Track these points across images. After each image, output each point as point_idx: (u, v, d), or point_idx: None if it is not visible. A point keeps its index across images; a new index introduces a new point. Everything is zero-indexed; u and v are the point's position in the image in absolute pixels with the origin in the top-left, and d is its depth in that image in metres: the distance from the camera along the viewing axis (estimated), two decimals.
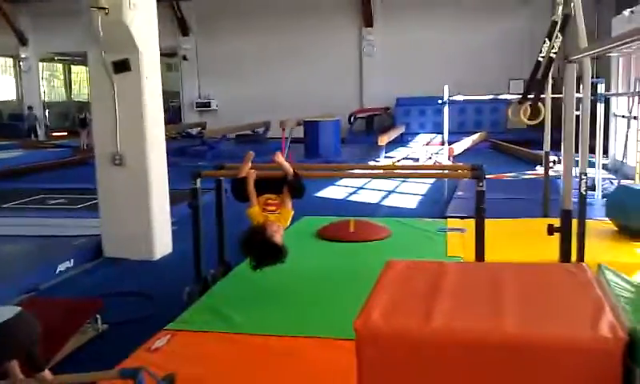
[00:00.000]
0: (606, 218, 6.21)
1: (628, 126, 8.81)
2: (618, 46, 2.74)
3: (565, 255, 3.43)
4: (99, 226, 6.04)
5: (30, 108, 21.75)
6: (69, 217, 7.71)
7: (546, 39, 5.54)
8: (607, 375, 1.63)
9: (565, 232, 3.42)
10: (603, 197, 7.83)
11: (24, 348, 2.57)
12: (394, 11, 18.87)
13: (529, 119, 5.82)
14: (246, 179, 3.98)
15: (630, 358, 1.63)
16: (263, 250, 3.73)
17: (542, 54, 5.52)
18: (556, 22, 5.31)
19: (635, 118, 8.41)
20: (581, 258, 3.53)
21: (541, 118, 5.88)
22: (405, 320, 1.80)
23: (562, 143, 3.57)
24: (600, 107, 8.44)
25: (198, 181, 4.46)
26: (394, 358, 1.75)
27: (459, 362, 1.71)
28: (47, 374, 2.67)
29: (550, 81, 6.92)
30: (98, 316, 4.02)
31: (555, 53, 5.30)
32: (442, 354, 1.71)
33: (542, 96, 5.88)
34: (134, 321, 4.24)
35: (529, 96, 5.81)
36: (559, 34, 4.29)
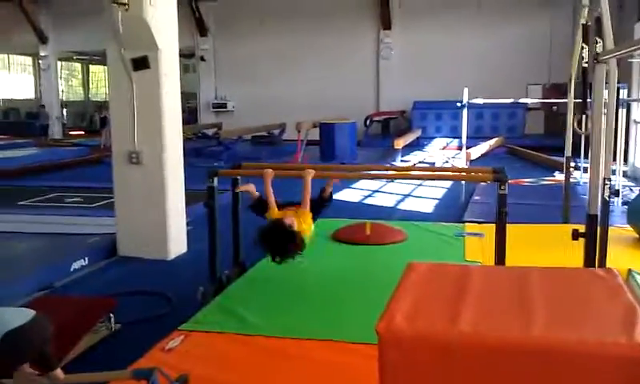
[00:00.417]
0: (627, 225, 6.11)
1: None
2: None
3: (590, 260, 3.35)
4: (114, 224, 6.02)
5: (42, 106, 21.89)
6: (84, 215, 7.71)
7: (583, 44, 5.42)
8: None
9: (590, 237, 3.34)
10: (623, 203, 7.70)
11: (37, 350, 2.53)
12: (412, 14, 18.79)
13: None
14: (264, 181, 3.98)
15: None
16: (280, 236, 3.72)
17: (585, 61, 5.38)
18: (585, 26, 5.21)
19: None
20: (603, 263, 3.45)
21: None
22: (429, 323, 1.74)
23: (590, 146, 3.49)
24: (621, 113, 8.31)
25: (215, 179, 4.41)
26: (418, 363, 1.69)
27: (486, 366, 1.64)
28: (59, 372, 2.63)
29: (573, 86, 6.84)
30: (111, 315, 3.98)
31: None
32: (468, 359, 1.64)
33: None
34: (147, 320, 4.21)
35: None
36: (597, 39, 4.20)
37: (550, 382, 1.62)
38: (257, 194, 4.17)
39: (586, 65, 5.36)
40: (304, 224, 3.88)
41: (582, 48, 5.37)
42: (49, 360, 2.62)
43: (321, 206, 4.21)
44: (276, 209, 3.91)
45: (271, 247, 3.77)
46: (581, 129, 5.85)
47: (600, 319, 1.76)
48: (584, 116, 5.58)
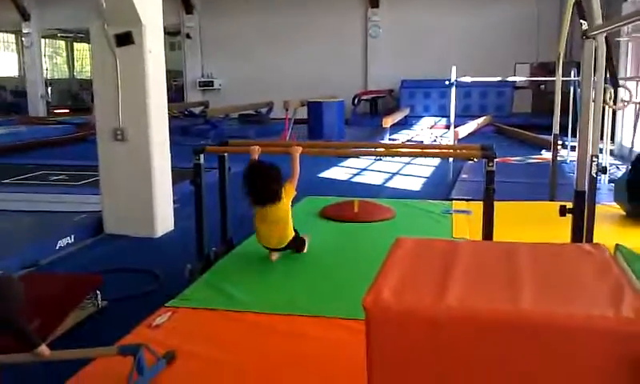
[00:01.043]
0: (614, 203, 6.15)
1: (637, 112, 8.70)
2: (638, 20, 2.64)
3: (577, 236, 3.36)
4: (100, 202, 5.97)
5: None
6: (70, 193, 7.64)
7: (582, 21, 5.41)
8: (629, 357, 1.56)
9: (577, 213, 3.35)
10: (610, 181, 7.75)
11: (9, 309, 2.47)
12: None
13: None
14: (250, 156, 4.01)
15: None
16: (261, 175, 4.03)
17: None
18: (578, 3, 5.20)
19: None
20: (590, 239, 3.48)
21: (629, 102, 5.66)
22: (417, 298, 1.73)
23: (578, 123, 3.49)
24: (609, 92, 8.31)
25: (201, 156, 4.38)
26: (405, 337, 1.68)
27: (474, 341, 1.63)
28: (44, 349, 2.60)
29: (561, 64, 6.83)
30: (98, 292, 3.96)
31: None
32: (456, 333, 1.64)
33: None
34: (134, 297, 4.19)
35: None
36: (582, 18, 4.19)
37: (538, 356, 1.62)
38: (256, 156, 4.24)
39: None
40: (286, 198, 3.97)
41: (581, 25, 5.36)
42: (30, 337, 2.57)
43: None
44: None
45: (253, 187, 3.96)
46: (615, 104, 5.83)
47: (588, 293, 1.76)
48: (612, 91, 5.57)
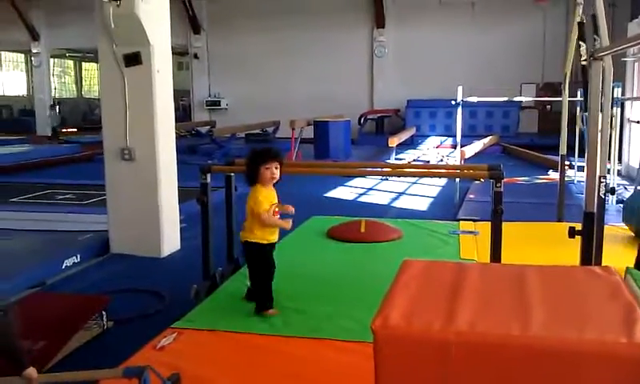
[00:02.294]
0: (622, 224, 6.11)
1: None
2: None
3: (586, 258, 3.33)
4: (106, 221, 5.97)
5: None
6: (77, 212, 7.65)
7: (581, 42, 5.41)
8: None
9: (587, 235, 3.32)
10: (618, 202, 7.71)
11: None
12: (405, 12, 18.77)
13: None
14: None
15: None
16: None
17: (583, 59, 5.37)
18: (581, 24, 5.19)
19: None
20: (599, 261, 3.44)
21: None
22: (426, 321, 1.70)
23: (586, 144, 3.47)
24: (616, 112, 8.30)
25: (208, 176, 4.38)
26: (414, 361, 1.66)
27: (483, 365, 1.61)
28: (32, 371, 2.52)
29: (567, 85, 6.82)
30: (103, 313, 3.94)
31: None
32: (465, 357, 1.61)
33: None
34: (140, 318, 4.17)
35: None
36: (595, 37, 4.16)
37: (548, 381, 1.59)
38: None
39: (584, 63, 5.35)
40: (258, 194, 3.76)
41: (580, 46, 5.36)
42: (19, 358, 2.51)
43: None
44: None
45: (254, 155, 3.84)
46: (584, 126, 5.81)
47: (599, 318, 1.73)
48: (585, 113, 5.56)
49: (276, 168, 3.78)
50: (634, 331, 1.60)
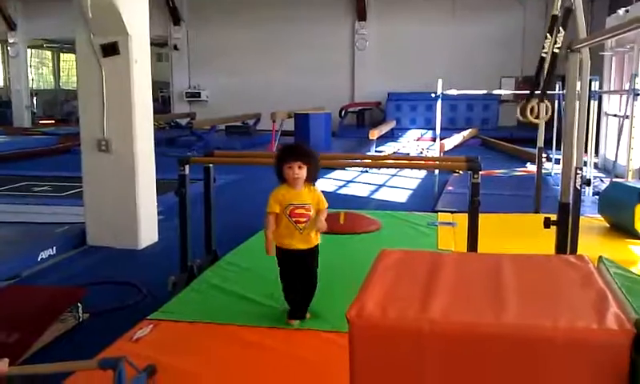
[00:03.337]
0: (598, 215, 6.19)
1: (620, 125, 8.79)
2: (621, 33, 2.66)
3: (561, 248, 3.37)
4: (83, 213, 5.91)
5: None
6: (53, 204, 7.56)
7: (548, 34, 5.46)
8: (613, 368, 1.55)
9: (562, 225, 3.36)
10: (594, 194, 7.81)
11: None
12: (387, 6, 18.78)
13: (535, 117, 5.69)
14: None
15: (635, 351, 1.55)
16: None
17: (544, 50, 5.42)
18: (556, 17, 5.24)
19: (627, 117, 8.38)
20: (574, 251, 3.49)
21: (548, 116, 5.74)
22: (401, 310, 1.70)
23: (563, 136, 3.51)
24: (593, 105, 8.40)
25: (186, 167, 4.34)
26: (389, 350, 1.66)
27: (458, 353, 1.61)
28: (2, 363, 2.48)
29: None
30: (79, 305, 3.90)
31: (559, 48, 5.22)
32: (440, 346, 1.62)
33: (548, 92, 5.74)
34: (116, 310, 4.13)
35: (535, 93, 5.68)
36: (561, 29, 4.21)
37: (522, 367, 1.61)
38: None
39: (544, 55, 5.41)
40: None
41: (546, 38, 5.41)
42: None
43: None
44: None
45: (297, 152, 3.43)
46: (524, 116, 5.84)
47: (572, 305, 1.74)
48: (530, 103, 5.61)
49: (299, 168, 3.36)
50: (605, 318, 1.61)
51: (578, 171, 3.52)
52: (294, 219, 3.41)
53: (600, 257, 2.16)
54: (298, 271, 3.49)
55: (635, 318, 1.61)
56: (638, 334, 1.56)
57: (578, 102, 3.50)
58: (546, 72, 5.58)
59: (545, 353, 1.58)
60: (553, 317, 1.64)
